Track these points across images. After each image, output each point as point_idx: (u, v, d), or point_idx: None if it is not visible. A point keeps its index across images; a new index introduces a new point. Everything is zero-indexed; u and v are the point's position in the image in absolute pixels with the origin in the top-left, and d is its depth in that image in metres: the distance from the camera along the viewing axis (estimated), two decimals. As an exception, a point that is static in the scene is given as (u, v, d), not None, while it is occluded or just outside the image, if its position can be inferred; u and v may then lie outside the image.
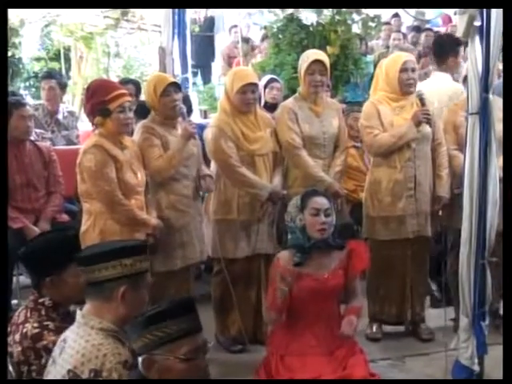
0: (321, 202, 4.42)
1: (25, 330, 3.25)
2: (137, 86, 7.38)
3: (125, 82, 7.16)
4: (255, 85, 5.29)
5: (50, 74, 7.65)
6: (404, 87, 5.37)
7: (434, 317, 5.49)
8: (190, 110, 6.17)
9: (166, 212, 5.00)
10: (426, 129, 5.33)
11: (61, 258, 3.35)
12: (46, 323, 3.28)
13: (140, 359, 2.68)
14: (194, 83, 9.79)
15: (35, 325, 3.26)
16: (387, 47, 11.16)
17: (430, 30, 12.00)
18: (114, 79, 8.54)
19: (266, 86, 7.16)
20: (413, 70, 5.40)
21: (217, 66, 12.13)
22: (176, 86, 5.10)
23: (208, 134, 5.27)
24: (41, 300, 3.36)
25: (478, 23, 4.12)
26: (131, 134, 5.10)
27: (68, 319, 3.31)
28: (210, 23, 13.06)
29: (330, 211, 4.43)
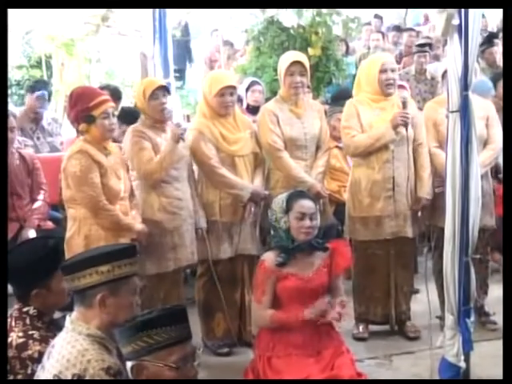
0: (307, 205, 4.42)
1: (10, 340, 3.23)
2: (114, 91, 7.35)
3: (101, 88, 7.15)
4: (233, 87, 5.30)
5: (38, 86, 7.60)
6: (384, 88, 5.38)
7: (420, 315, 5.51)
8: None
9: (157, 214, 5.02)
10: (405, 130, 5.33)
11: (45, 269, 3.33)
12: (30, 332, 3.26)
13: (129, 365, 2.68)
14: (178, 87, 9.78)
15: (20, 334, 3.25)
16: (368, 48, 11.20)
17: (411, 29, 12.06)
18: (96, 85, 8.51)
19: (247, 89, 7.16)
20: (392, 71, 5.42)
21: (197, 70, 12.13)
22: (164, 90, 5.14)
23: (188, 137, 5.28)
24: (25, 309, 3.34)
25: (456, 22, 4.14)
26: (116, 139, 5.12)
27: (53, 328, 3.30)
28: (186, 28, 13.06)
29: (315, 215, 4.44)
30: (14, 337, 3.22)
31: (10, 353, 3.17)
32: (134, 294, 3.07)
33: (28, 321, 3.31)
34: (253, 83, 7.29)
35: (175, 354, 2.68)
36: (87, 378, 2.76)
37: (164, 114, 5.06)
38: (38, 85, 7.73)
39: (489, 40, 9.71)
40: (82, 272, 2.93)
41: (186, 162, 5.18)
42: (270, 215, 4.53)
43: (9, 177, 5.75)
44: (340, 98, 7.26)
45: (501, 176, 5.83)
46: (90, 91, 4.91)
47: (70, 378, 2.78)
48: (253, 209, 5.29)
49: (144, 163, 4.95)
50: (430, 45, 9.98)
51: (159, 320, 2.69)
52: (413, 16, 14.35)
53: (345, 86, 8.30)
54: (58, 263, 3.30)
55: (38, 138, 7.23)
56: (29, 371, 3.13)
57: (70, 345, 2.88)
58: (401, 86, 6.25)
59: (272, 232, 4.57)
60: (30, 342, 3.21)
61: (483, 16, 10.69)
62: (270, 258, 4.47)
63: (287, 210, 4.41)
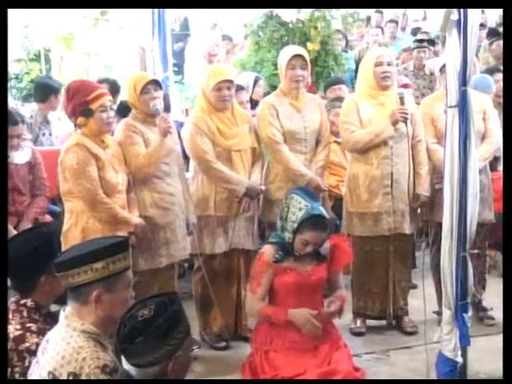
0: (316, 237, 4.38)
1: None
2: (113, 84, 7.33)
3: (100, 81, 7.14)
4: (231, 81, 5.29)
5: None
6: (379, 81, 5.39)
7: (418, 310, 5.51)
8: (167, 109, 6.15)
9: (150, 210, 5.00)
10: (404, 127, 5.33)
11: (49, 254, 3.34)
12: (28, 325, 3.26)
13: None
14: (176, 81, 9.78)
15: (17, 327, 3.24)
16: (367, 43, 11.20)
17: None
18: (95, 79, 8.51)
19: (255, 84, 7.16)
20: (388, 64, 5.43)
21: (196, 64, 12.12)
22: (156, 84, 5.11)
23: (184, 130, 5.30)
24: (22, 301, 3.34)
25: (455, 17, 4.13)
26: (114, 132, 5.11)
27: (50, 320, 3.30)
28: (185, 22, 13.07)
29: (320, 242, 4.42)
30: (12, 329, 3.22)
31: (8, 345, 3.17)
32: (128, 287, 3.06)
33: (25, 313, 3.31)
34: (258, 78, 7.31)
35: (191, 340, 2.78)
36: (83, 376, 2.76)
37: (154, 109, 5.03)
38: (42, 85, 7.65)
39: (497, 33, 9.71)
40: (77, 269, 2.92)
41: (176, 157, 5.17)
42: (281, 212, 4.50)
43: (10, 172, 5.75)
44: (330, 84, 7.33)
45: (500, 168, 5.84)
46: (88, 85, 4.90)
47: (65, 375, 2.78)
48: (248, 204, 5.29)
49: (134, 158, 4.92)
50: (430, 41, 9.99)
51: (179, 316, 2.73)
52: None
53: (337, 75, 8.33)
54: (59, 249, 3.36)
55: (44, 134, 7.22)
56: (26, 363, 3.12)
57: (65, 341, 2.88)
58: (405, 85, 6.25)
59: (279, 224, 4.53)
60: (28, 334, 3.20)
61: (482, 12, 10.69)
62: (269, 251, 4.47)
63: (296, 231, 4.37)
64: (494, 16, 12.44)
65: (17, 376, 3.16)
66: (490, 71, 6.80)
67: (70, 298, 2.99)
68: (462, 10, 4.07)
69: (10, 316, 3.30)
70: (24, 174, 5.92)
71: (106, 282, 2.93)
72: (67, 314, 2.98)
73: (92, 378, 2.75)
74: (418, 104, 5.91)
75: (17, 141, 5.79)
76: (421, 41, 9.81)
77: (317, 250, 4.45)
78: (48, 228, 3.66)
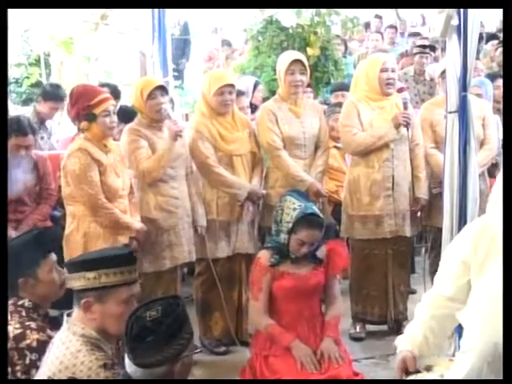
0: (312, 236, 4.37)
1: (6, 332, 3.24)
2: (114, 89, 7.34)
3: (101, 86, 7.13)
4: (232, 86, 5.31)
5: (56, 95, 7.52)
6: (384, 87, 5.39)
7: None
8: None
9: (153, 213, 5.03)
10: (405, 130, 5.35)
11: (29, 257, 3.35)
12: (27, 323, 3.26)
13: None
14: (176, 86, 9.78)
15: (17, 326, 3.24)
16: (367, 48, 11.22)
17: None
18: (95, 84, 8.51)
19: (254, 88, 7.18)
20: (393, 71, 5.44)
21: (196, 69, 12.15)
22: (162, 89, 5.14)
23: (186, 135, 5.30)
24: (20, 302, 3.34)
25: (455, 22, 4.15)
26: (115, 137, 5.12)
27: (47, 320, 3.32)
28: (185, 27, 13.08)
29: (316, 241, 4.41)
30: (11, 329, 3.21)
31: (8, 344, 3.17)
32: (124, 303, 2.99)
33: (24, 313, 3.31)
34: (257, 82, 7.32)
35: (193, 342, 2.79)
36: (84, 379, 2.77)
37: (161, 114, 5.06)
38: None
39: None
40: (73, 275, 2.98)
41: (183, 161, 5.19)
42: (276, 215, 4.51)
43: (17, 184, 5.68)
44: (335, 89, 7.38)
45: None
46: (91, 89, 4.92)
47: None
48: (250, 208, 5.31)
49: (141, 161, 4.96)
50: (431, 46, 10.01)
51: (184, 319, 2.74)
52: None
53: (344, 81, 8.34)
54: (43, 252, 3.36)
55: (42, 138, 7.20)
56: (27, 361, 3.12)
57: (65, 346, 2.90)
58: (401, 89, 6.26)
59: (273, 227, 4.53)
60: (28, 331, 3.20)
61: (481, 25, 10.71)
62: (265, 256, 4.48)
63: (291, 231, 4.36)
64: (495, 22, 12.46)
65: (18, 375, 3.15)
66: (491, 76, 6.81)
67: (73, 302, 3.02)
68: (462, 16, 4.09)
69: (9, 317, 3.29)
70: (31, 186, 5.89)
71: (97, 292, 2.95)
72: (71, 318, 3.00)
73: (95, 378, 2.76)
74: (419, 109, 5.93)
75: (25, 152, 5.77)
76: (423, 46, 9.82)
77: (313, 253, 4.45)
78: (36, 231, 3.65)
